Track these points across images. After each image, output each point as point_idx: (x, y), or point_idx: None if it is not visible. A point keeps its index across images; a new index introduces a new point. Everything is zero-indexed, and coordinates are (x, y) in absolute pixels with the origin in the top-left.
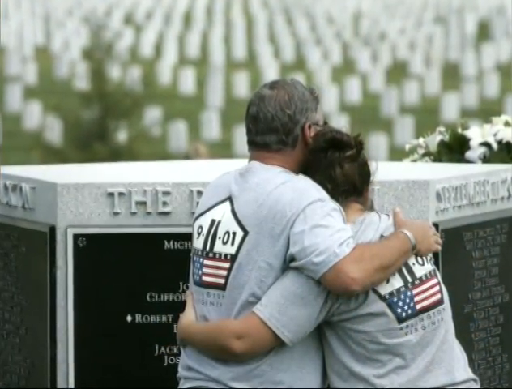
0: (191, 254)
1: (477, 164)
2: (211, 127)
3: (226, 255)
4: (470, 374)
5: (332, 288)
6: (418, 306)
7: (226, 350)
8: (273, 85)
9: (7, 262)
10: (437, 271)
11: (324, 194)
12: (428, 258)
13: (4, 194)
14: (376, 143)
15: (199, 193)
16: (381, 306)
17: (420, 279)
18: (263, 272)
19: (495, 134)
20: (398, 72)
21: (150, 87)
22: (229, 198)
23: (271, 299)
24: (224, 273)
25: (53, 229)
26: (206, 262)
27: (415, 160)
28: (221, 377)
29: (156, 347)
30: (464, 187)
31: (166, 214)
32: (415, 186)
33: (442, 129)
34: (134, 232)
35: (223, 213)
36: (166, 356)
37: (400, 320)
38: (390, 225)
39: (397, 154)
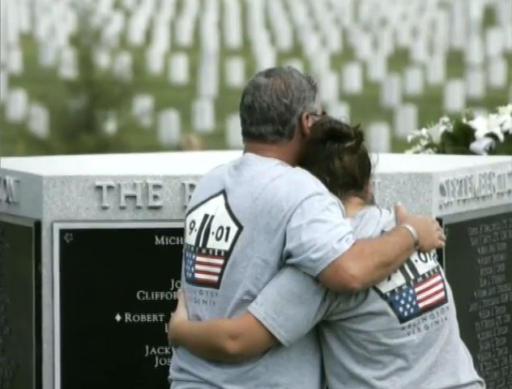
0: (183, 251)
1: (482, 156)
2: (204, 117)
3: (220, 251)
4: (475, 375)
5: (331, 286)
6: (421, 305)
7: (219, 351)
8: (269, 73)
9: None
10: (440, 268)
11: (322, 188)
12: (432, 254)
13: None
14: (377, 134)
15: (192, 186)
16: (382, 305)
17: (423, 276)
18: (259, 269)
19: (501, 125)
20: (399, 59)
21: (140, 76)
22: (223, 192)
23: (267, 297)
24: (218, 270)
25: (38, 224)
26: (198, 258)
27: (417, 152)
28: (214, 379)
29: (147, 347)
30: (469, 180)
31: (157, 208)
32: (417, 179)
33: (446, 119)
34: (124, 227)
35: (216, 207)
36: (157, 357)
37: (402, 319)
38: (391, 220)
39: (399, 145)
